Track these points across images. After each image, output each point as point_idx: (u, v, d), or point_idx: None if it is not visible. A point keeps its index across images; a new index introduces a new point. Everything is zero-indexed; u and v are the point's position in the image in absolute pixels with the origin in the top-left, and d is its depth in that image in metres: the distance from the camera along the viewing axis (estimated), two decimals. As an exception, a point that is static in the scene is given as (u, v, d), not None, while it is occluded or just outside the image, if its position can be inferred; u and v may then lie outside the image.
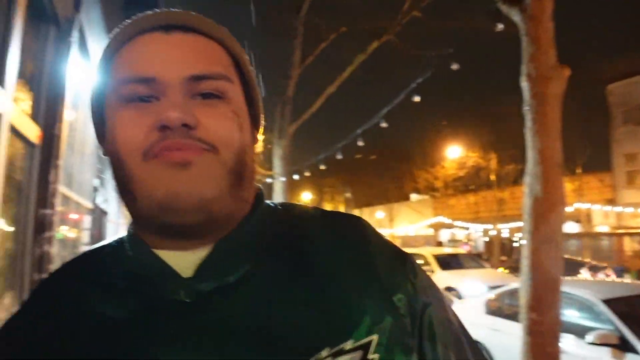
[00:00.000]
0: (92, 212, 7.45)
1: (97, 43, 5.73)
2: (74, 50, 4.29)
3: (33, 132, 3.76)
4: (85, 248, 7.31)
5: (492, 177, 29.34)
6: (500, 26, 8.53)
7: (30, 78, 3.74)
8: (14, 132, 3.03)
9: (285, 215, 0.74)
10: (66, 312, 0.64)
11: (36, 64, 3.88)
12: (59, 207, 4.36)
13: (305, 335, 0.60)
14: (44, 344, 0.62)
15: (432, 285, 0.76)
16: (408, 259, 0.75)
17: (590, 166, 25.94)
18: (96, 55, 4.95)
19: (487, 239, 32.48)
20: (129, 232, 0.70)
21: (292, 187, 23.79)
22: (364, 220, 0.79)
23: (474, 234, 34.62)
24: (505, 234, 29.63)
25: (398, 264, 0.73)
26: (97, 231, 8.17)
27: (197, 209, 0.60)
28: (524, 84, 4.77)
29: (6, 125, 2.87)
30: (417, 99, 11.71)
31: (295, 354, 0.58)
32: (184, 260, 0.64)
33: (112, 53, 0.67)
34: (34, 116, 3.82)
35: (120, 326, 0.61)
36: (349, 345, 0.60)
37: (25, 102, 3.63)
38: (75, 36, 4.24)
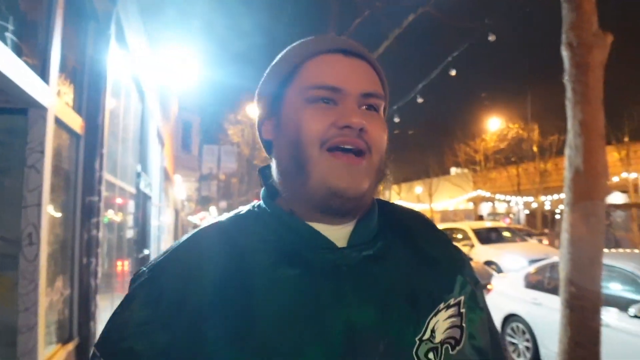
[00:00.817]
0: (135, 196, 7.68)
1: (134, 34, 5.86)
2: (113, 43, 4.41)
3: (77, 123, 3.91)
4: (131, 231, 7.58)
5: (535, 149, 28.59)
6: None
7: (72, 71, 3.88)
8: (59, 124, 3.18)
9: (383, 206, 0.95)
10: (230, 263, 0.79)
11: (77, 57, 4.02)
12: (104, 193, 4.54)
13: (431, 292, 0.83)
14: (210, 288, 0.76)
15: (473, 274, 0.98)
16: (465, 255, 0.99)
17: (638, 133, 24.91)
18: (135, 46, 5.06)
19: (528, 211, 31.84)
20: (268, 203, 0.88)
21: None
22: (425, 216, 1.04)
23: (515, 207, 33.99)
24: (547, 206, 28.96)
25: (461, 254, 0.98)
26: (142, 214, 8.44)
27: (358, 198, 0.80)
28: (565, 53, 4.62)
29: (51, 119, 3.00)
30: (453, 72, 11.48)
31: (428, 306, 0.82)
32: (335, 234, 0.83)
33: (297, 64, 0.86)
34: (77, 108, 3.97)
35: (285, 283, 0.76)
36: (452, 301, 0.84)
37: (68, 95, 3.78)
38: (113, 29, 4.35)
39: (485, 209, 37.01)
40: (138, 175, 7.80)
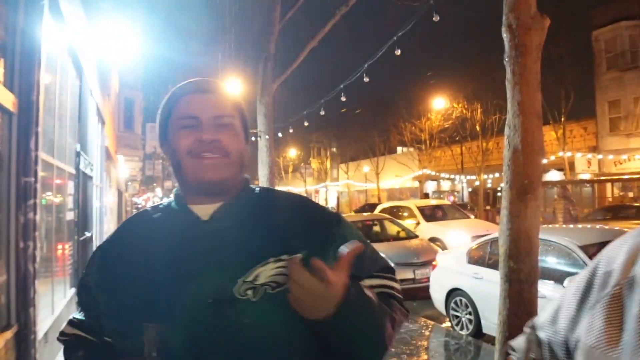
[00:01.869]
0: (75, 177, 7.41)
1: (70, 4, 5.57)
2: (46, 13, 4.18)
3: (8, 100, 3.70)
4: (71, 213, 7.30)
5: (477, 128, 29.42)
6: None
7: (1, 45, 3.66)
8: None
9: (265, 193, 1.38)
10: (139, 233, 1.30)
11: (7, 29, 3.79)
12: (40, 174, 4.34)
13: (266, 250, 1.19)
14: (126, 248, 1.27)
15: (356, 233, 1.34)
16: (341, 219, 1.37)
17: (574, 114, 26.02)
18: (71, 17, 4.80)
19: (471, 189, 32.89)
20: (176, 194, 1.33)
21: (277, 145, 23.70)
22: (304, 195, 1.48)
23: (459, 185, 35.03)
24: (489, 184, 29.99)
25: (332, 218, 1.35)
26: (82, 195, 8.15)
27: (220, 183, 1.24)
28: (505, 35, 4.74)
29: (-20, 95, 2.83)
30: (398, 52, 11.60)
31: (259, 259, 1.18)
32: (204, 211, 1.25)
33: (173, 103, 1.31)
34: (8, 84, 3.76)
35: (165, 241, 1.22)
36: (286, 256, 1.16)
37: (-2, 69, 3.57)
38: (45, -1, 4.12)
39: (430, 187, 37.95)
40: (77, 154, 7.51)
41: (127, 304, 1.19)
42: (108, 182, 16.45)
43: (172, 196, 1.36)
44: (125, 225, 1.38)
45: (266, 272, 1.17)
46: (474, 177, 30.44)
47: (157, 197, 45.14)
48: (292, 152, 50.50)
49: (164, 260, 1.19)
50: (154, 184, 49.10)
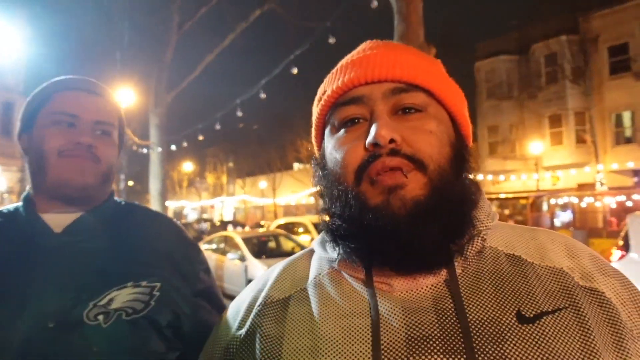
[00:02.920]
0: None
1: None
2: None
3: None
4: None
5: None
6: (375, 3, 8.82)
7: None
8: None
9: (130, 209, 1.28)
10: None
11: None
12: None
13: (123, 273, 1.10)
14: None
15: (207, 269, 1.30)
16: (198, 249, 1.32)
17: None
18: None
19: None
20: (25, 198, 1.17)
21: (170, 158, 22.97)
22: (173, 220, 1.38)
23: (352, 201, 36.03)
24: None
25: (193, 252, 1.29)
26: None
27: (82, 188, 1.12)
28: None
29: None
30: (295, 70, 11.80)
31: (115, 282, 1.07)
32: (58, 222, 1.12)
33: (49, 94, 1.17)
34: None
35: (11, 257, 1.06)
36: (144, 283, 1.10)
37: None
38: None
39: (324, 203, 38.64)
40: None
41: None
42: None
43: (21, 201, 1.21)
44: None
45: (122, 297, 1.07)
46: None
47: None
48: (188, 166, 49.24)
49: (8, 274, 1.04)
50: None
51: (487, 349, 0.63)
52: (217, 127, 14.77)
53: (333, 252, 0.78)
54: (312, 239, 11.16)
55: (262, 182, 42.43)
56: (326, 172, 0.79)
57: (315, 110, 0.86)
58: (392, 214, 0.68)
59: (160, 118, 10.95)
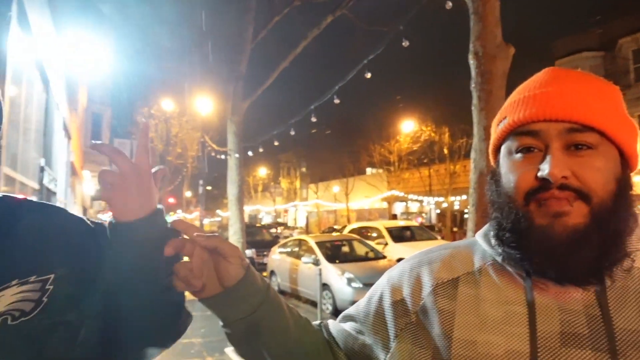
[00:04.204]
0: (38, 192, 7.22)
1: (39, 16, 5.50)
2: (14, 25, 4.12)
3: (-29, 111, 3.61)
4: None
5: (445, 151, 29.98)
6: (449, 4, 8.65)
7: (-34, 55, 3.59)
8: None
9: (4, 201, 1.05)
10: None
11: (-28, 39, 3.72)
12: (3, 188, 4.24)
13: (4, 272, 0.91)
14: None
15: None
16: (104, 228, 1.07)
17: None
18: (39, 30, 4.74)
19: (439, 211, 33.34)
20: None
21: (246, 163, 23.58)
22: (64, 210, 1.15)
23: (426, 206, 35.44)
24: (456, 206, 30.47)
25: (88, 238, 1.06)
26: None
27: None
28: (471, 62, 4.89)
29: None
30: (369, 75, 11.79)
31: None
32: None
33: None
34: (-28, 95, 3.68)
35: None
36: (33, 278, 0.94)
37: (-38, 80, 3.49)
38: (14, 10, 4.06)
39: (398, 208, 38.27)
40: (41, 169, 7.34)
41: None
42: (73, 199, 16.07)
43: None
44: None
45: (5, 299, 0.93)
46: (441, 199, 30.89)
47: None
48: (262, 171, 50.35)
49: None
50: (120, 201, 48.08)
51: (629, 355, 0.72)
52: (292, 132, 15.01)
53: (497, 249, 0.89)
54: (386, 244, 11.01)
55: (335, 187, 42.62)
56: (500, 188, 0.89)
57: (495, 129, 0.96)
58: (554, 236, 0.79)
59: (237, 125, 11.28)
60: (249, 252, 11.73)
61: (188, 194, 39.10)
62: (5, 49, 4.02)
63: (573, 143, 0.82)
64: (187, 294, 1.03)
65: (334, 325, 1.13)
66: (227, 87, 11.59)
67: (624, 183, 0.84)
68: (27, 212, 1.06)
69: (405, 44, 10.31)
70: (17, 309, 0.91)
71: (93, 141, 0.94)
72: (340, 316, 1.15)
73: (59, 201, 10.42)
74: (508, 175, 0.87)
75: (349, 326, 1.08)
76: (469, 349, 0.82)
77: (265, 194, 52.87)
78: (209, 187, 34.16)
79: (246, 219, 11.38)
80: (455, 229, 28.87)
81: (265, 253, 14.97)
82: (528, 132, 0.85)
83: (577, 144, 0.82)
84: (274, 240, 17.82)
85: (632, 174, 0.89)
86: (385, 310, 0.98)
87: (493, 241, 0.91)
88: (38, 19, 5.57)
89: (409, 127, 31.84)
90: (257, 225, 24.19)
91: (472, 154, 4.46)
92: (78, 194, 19.04)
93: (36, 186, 6.99)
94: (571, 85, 0.87)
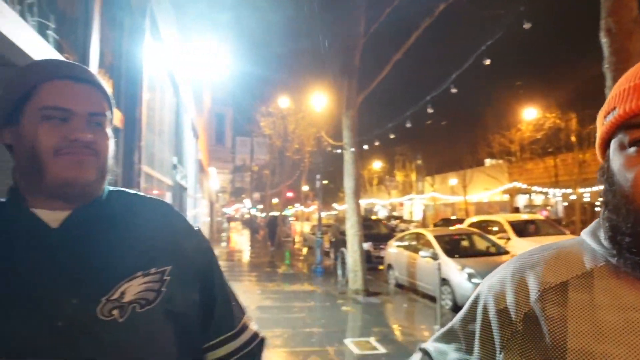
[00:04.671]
0: (172, 188, 7.84)
1: (168, 28, 5.95)
2: (147, 37, 4.50)
3: (117, 116, 4.02)
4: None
5: (573, 139, 27.85)
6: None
7: (110, 66, 3.98)
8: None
9: (124, 196, 1.18)
10: None
11: (114, 52, 4.12)
12: (143, 185, 4.65)
13: (131, 263, 1.05)
14: None
15: (209, 248, 1.25)
16: (200, 234, 1.24)
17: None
18: (168, 40, 5.11)
19: (566, 204, 31.09)
20: (9, 195, 1.08)
21: (362, 157, 23.71)
22: (170, 205, 1.28)
23: (552, 199, 33.22)
24: (586, 198, 28.21)
25: (192, 237, 1.21)
26: (178, 205, 8.60)
27: (85, 185, 1.04)
28: (603, 40, 4.49)
29: (92, 113, 3.09)
30: (487, 61, 11.28)
31: (124, 274, 1.03)
32: (53, 217, 1.04)
33: (34, 85, 1.04)
34: (116, 102, 4.07)
35: (7, 255, 0.99)
36: (153, 270, 1.06)
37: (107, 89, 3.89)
38: (147, 23, 4.44)
39: (521, 201, 36.32)
40: (174, 167, 7.95)
41: None
42: (201, 193, 17.25)
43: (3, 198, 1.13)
44: None
45: (133, 288, 1.02)
46: (569, 191, 28.76)
47: (245, 208, 46.54)
48: (377, 165, 50.36)
49: (5, 274, 0.98)
50: (243, 195, 50.78)
51: None
52: (407, 124, 14.84)
53: (611, 250, 0.82)
54: (509, 239, 10.56)
55: (452, 179, 41.45)
56: (614, 187, 0.81)
57: (601, 122, 0.88)
58: None
59: (351, 120, 11.39)
60: (366, 246, 11.81)
61: (305, 188, 40.27)
62: (142, 58, 4.41)
63: None
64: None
65: (435, 349, 1.06)
66: (341, 83, 11.74)
67: None
68: (140, 206, 1.19)
69: (527, 26, 9.73)
70: (142, 298, 1.02)
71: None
72: (439, 334, 1.07)
73: (189, 196, 11.23)
74: (623, 173, 0.78)
75: (453, 352, 1.01)
76: None
77: (380, 187, 52.86)
78: (325, 181, 34.92)
79: (362, 212, 11.46)
80: (585, 223, 26.77)
81: (382, 246, 15.00)
82: None
83: None
84: (391, 234, 17.78)
85: None
86: (491, 320, 0.90)
87: (607, 243, 0.83)
88: (168, 31, 6.03)
89: (531, 115, 29.99)
90: (374, 218, 24.24)
91: (605, 141, 4.11)
92: (205, 189, 20.41)
93: (170, 182, 7.59)
94: None
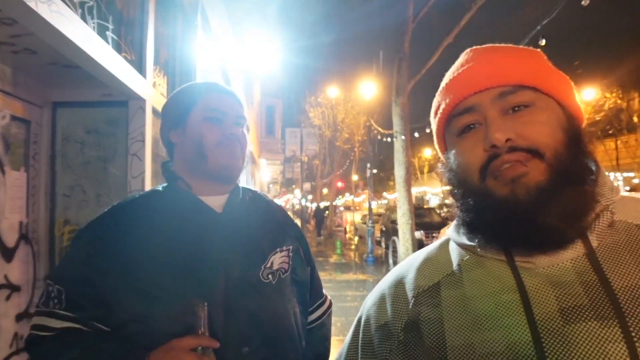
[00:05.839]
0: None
1: (219, 23, 6.05)
2: (200, 33, 4.59)
3: (171, 112, 4.12)
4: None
5: (635, 119, 26.51)
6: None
7: (165, 63, 4.09)
8: (156, 114, 3.37)
9: (245, 189, 1.52)
10: (143, 219, 1.32)
11: (168, 49, 4.23)
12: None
13: (272, 241, 1.43)
14: (132, 234, 1.28)
15: (304, 235, 1.62)
16: (295, 223, 1.63)
17: None
18: (219, 35, 5.20)
19: (628, 188, 29.71)
20: (172, 184, 1.41)
21: (413, 145, 23.42)
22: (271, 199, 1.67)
23: (614, 182, 31.82)
24: (652, 181, 26.86)
25: (296, 225, 1.61)
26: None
27: (238, 168, 1.42)
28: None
29: (149, 109, 3.20)
30: (543, 42, 10.85)
31: (270, 248, 1.40)
32: (215, 203, 1.39)
33: (197, 97, 1.42)
34: (171, 98, 4.18)
35: (183, 228, 1.32)
36: (284, 247, 1.44)
37: (162, 86, 4.00)
38: (199, 19, 4.53)
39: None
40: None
41: (159, 287, 1.20)
42: (253, 185, 17.55)
43: (160, 186, 1.45)
44: (115, 213, 1.35)
45: (277, 260, 1.40)
46: (631, 175, 27.44)
47: (296, 199, 47.04)
48: (428, 152, 49.67)
49: (189, 245, 1.28)
50: (293, 186, 51.25)
51: (636, 313, 0.68)
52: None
53: (471, 240, 0.85)
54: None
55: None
56: (453, 173, 0.86)
57: (434, 121, 0.95)
58: (519, 201, 0.75)
59: (401, 107, 11.24)
60: (418, 234, 11.68)
61: (355, 177, 40.19)
62: (195, 54, 4.50)
63: (509, 106, 0.81)
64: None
65: None
66: (390, 69, 11.61)
67: (572, 132, 0.81)
68: (259, 196, 1.58)
69: (585, 2, 9.30)
70: (282, 267, 1.41)
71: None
72: None
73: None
74: (458, 158, 0.85)
75: None
76: (467, 353, 0.75)
77: (431, 175, 52.11)
78: (375, 170, 34.76)
79: (413, 201, 11.35)
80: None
81: (434, 235, 14.83)
82: (464, 111, 0.84)
83: (513, 106, 0.81)
84: (443, 222, 17.54)
85: (581, 125, 0.87)
86: (373, 337, 0.91)
87: (462, 230, 0.87)
88: (218, 25, 6.13)
89: (589, 95, 28.73)
90: (425, 207, 23.98)
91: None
92: (257, 180, 20.74)
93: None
94: (491, 55, 0.88)
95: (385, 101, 13.67)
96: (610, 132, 29.05)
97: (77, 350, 1.16)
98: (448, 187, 0.91)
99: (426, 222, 17.08)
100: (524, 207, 0.74)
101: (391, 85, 11.52)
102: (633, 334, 0.67)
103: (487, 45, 0.93)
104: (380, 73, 13.35)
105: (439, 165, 0.97)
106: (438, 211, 24.25)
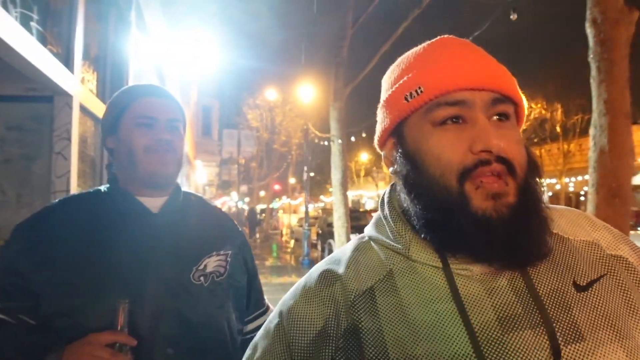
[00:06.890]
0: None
1: (154, 20, 5.89)
2: (133, 29, 4.45)
3: (101, 110, 3.96)
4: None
5: (558, 129, 28.12)
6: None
7: (95, 59, 3.93)
8: (84, 110, 3.23)
9: (186, 193, 1.54)
10: (80, 217, 1.35)
11: (99, 44, 4.06)
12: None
13: (208, 245, 1.44)
14: (67, 230, 1.30)
15: (247, 241, 1.64)
16: (241, 230, 1.66)
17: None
18: (155, 32, 5.04)
19: (551, 193, 31.43)
20: (112, 185, 1.43)
21: (349, 149, 23.72)
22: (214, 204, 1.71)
23: (538, 188, 33.58)
24: (571, 188, 28.54)
25: (239, 232, 1.62)
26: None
27: (167, 176, 1.41)
28: (589, 30, 4.52)
29: (77, 106, 3.05)
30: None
31: (205, 252, 1.41)
32: (152, 204, 1.41)
33: (127, 102, 1.42)
34: (101, 95, 4.02)
35: (118, 227, 1.34)
36: (222, 252, 1.44)
37: (92, 82, 3.83)
38: (133, 16, 4.38)
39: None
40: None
41: (88, 282, 1.23)
42: (187, 186, 17.15)
43: (102, 187, 1.47)
44: (52, 210, 1.38)
45: (212, 263, 1.40)
46: (554, 181, 29.08)
47: (232, 201, 46.42)
48: (364, 157, 50.44)
49: (123, 244, 1.30)
50: (230, 188, 50.59)
51: (560, 318, 0.70)
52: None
53: (399, 241, 0.82)
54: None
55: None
56: (417, 162, 0.80)
57: (399, 101, 0.84)
58: (498, 220, 0.73)
59: (339, 111, 11.36)
60: (354, 237, 11.84)
61: (292, 180, 40.19)
62: (128, 51, 4.35)
63: (495, 113, 0.79)
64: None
65: None
66: (329, 74, 11.71)
67: (529, 151, 0.82)
68: (201, 201, 1.59)
69: (514, 17, 9.76)
70: (217, 270, 1.41)
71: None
72: None
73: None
74: (433, 150, 0.77)
75: None
76: None
77: (367, 179, 52.95)
78: (312, 174, 34.90)
79: (349, 204, 11.48)
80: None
81: (369, 238, 15.03)
82: (455, 102, 0.78)
83: (499, 114, 0.80)
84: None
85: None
86: (306, 348, 0.81)
87: (393, 233, 0.83)
88: (154, 23, 5.96)
89: (517, 106, 30.24)
90: (361, 210, 24.32)
91: (591, 131, 4.15)
92: (192, 182, 20.30)
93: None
94: (483, 54, 0.86)
95: (323, 105, 13.78)
96: (535, 140, 30.65)
97: None
98: (397, 170, 0.85)
99: (362, 225, 17.29)
100: (505, 228, 0.72)
101: (329, 90, 11.62)
102: (560, 340, 0.68)
103: (466, 40, 0.90)
104: (318, 77, 13.44)
105: (382, 155, 0.90)
106: (373, 214, 24.64)
